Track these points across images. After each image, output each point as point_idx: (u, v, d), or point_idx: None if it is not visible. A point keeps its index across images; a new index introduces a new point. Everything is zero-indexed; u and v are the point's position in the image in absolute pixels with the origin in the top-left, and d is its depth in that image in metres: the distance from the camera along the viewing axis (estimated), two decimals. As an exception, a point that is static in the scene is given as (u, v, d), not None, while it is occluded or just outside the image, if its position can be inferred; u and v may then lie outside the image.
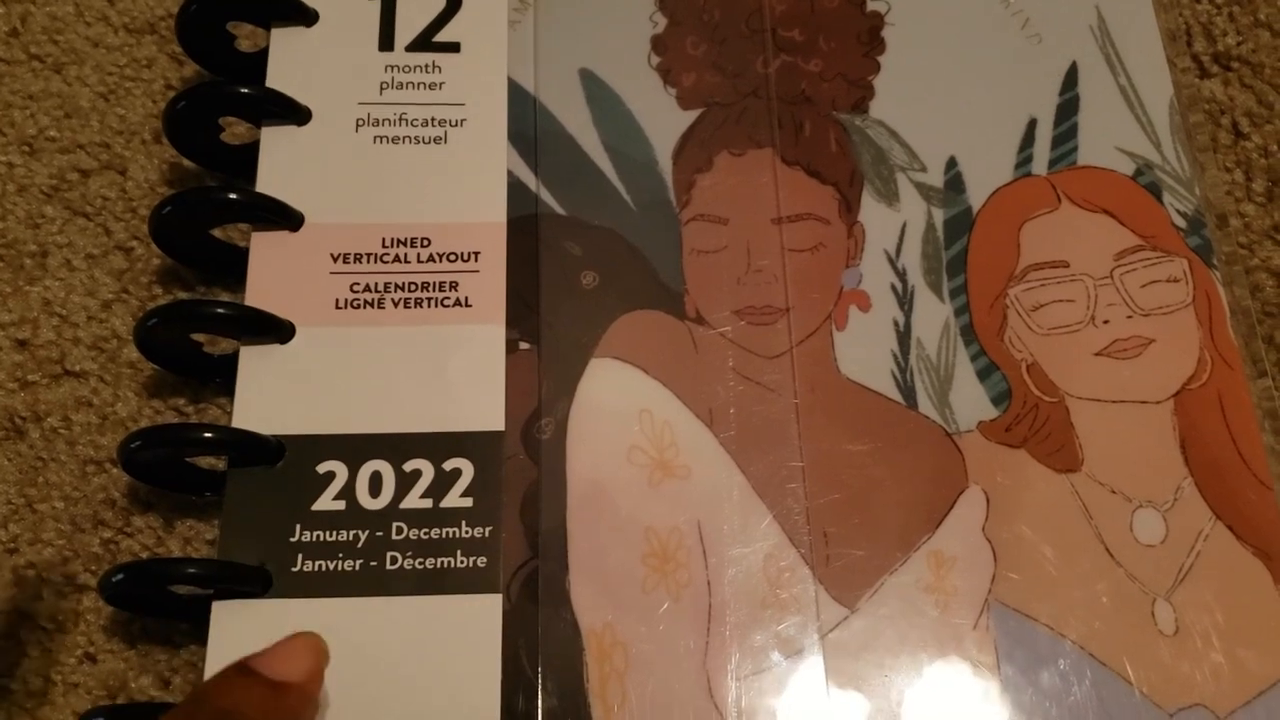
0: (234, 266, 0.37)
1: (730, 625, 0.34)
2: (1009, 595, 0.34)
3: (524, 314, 0.37)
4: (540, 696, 0.33)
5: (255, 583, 0.33)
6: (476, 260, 0.37)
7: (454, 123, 0.39)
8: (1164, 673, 0.33)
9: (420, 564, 0.34)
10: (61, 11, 0.44)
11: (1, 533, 0.37)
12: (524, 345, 0.37)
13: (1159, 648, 0.33)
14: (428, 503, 0.34)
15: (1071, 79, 0.41)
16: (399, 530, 0.34)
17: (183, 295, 0.40)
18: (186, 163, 0.41)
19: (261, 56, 0.39)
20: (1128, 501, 0.35)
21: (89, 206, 0.41)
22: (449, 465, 0.35)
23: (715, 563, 0.34)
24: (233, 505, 0.34)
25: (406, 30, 0.40)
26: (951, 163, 0.39)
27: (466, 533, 0.34)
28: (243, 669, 0.29)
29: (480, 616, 0.33)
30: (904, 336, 0.37)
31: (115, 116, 0.42)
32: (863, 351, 0.37)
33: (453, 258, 0.37)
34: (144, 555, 0.36)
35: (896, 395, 0.37)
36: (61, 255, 0.40)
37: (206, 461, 0.36)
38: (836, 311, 0.38)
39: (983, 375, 0.37)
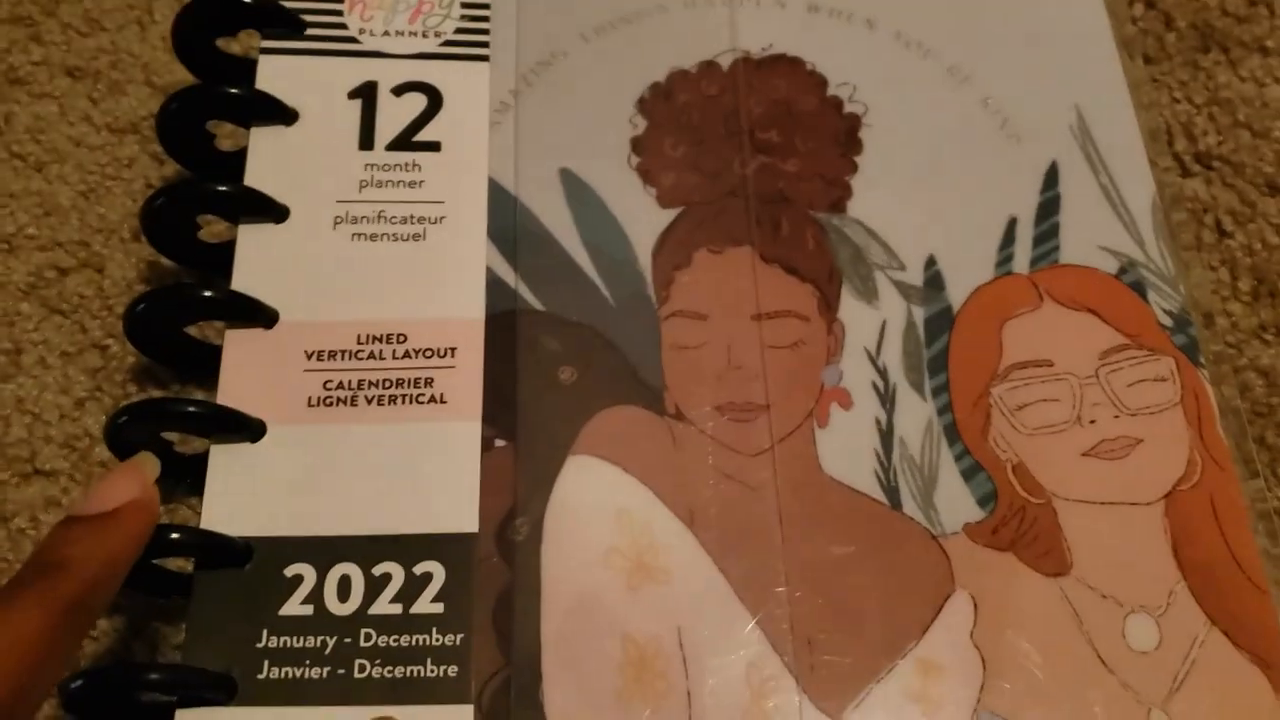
0: (209, 364, 0.37)
1: (711, 737, 0.32)
2: (999, 704, 0.33)
3: (501, 410, 0.37)
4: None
5: (220, 690, 0.32)
6: (453, 356, 0.37)
7: (433, 220, 0.39)
8: (1162, 785, 0.32)
9: (389, 672, 0.33)
10: (45, 111, 0.44)
11: (-38, 636, 0.36)
12: (500, 442, 0.36)
13: (1155, 760, 0.32)
14: (397, 608, 0.33)
15: (1052, 178, 0.41)
16: (368, 636, 0.33)
17: (157, 393, 0.39)
18: (165, 261, 0.40)
19: (241, 155, 0.40)
20: (1119, 606, 0.34)
21: (65, 304, 0.40)
22: (420, 569, 0.34)
23: (695, 672, 0.33)
24: (199, 609, 0.33)
25: (387, 130, 0.40)
26: (931, 261, 0.39)
27: (437, 640, 0.33)
28: (64, 519, 0.30)
29: None
30: (886, 435, 0.37)
31: (95, 215, 0.42)
32: (845, 450, 0.36)
33: (429, 354, 0.37)
34: (109, 659, 0.35)
35: (880, 495, 0.36)
36: (36, 353, 0.40)
37: (175, 563, 0.35)
38: (818, 409, 0.37)
39: (967, 475, 0.36)
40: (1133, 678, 0.33)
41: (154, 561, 0.35)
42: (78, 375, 0.39)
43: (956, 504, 0.36)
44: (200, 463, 0.35)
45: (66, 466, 0.38)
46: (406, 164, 0.39)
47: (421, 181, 0.39)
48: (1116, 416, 0.37)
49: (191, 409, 0.35)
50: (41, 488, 0.38)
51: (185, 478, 0.37)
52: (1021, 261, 0.39)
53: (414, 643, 0.33)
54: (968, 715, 0.33)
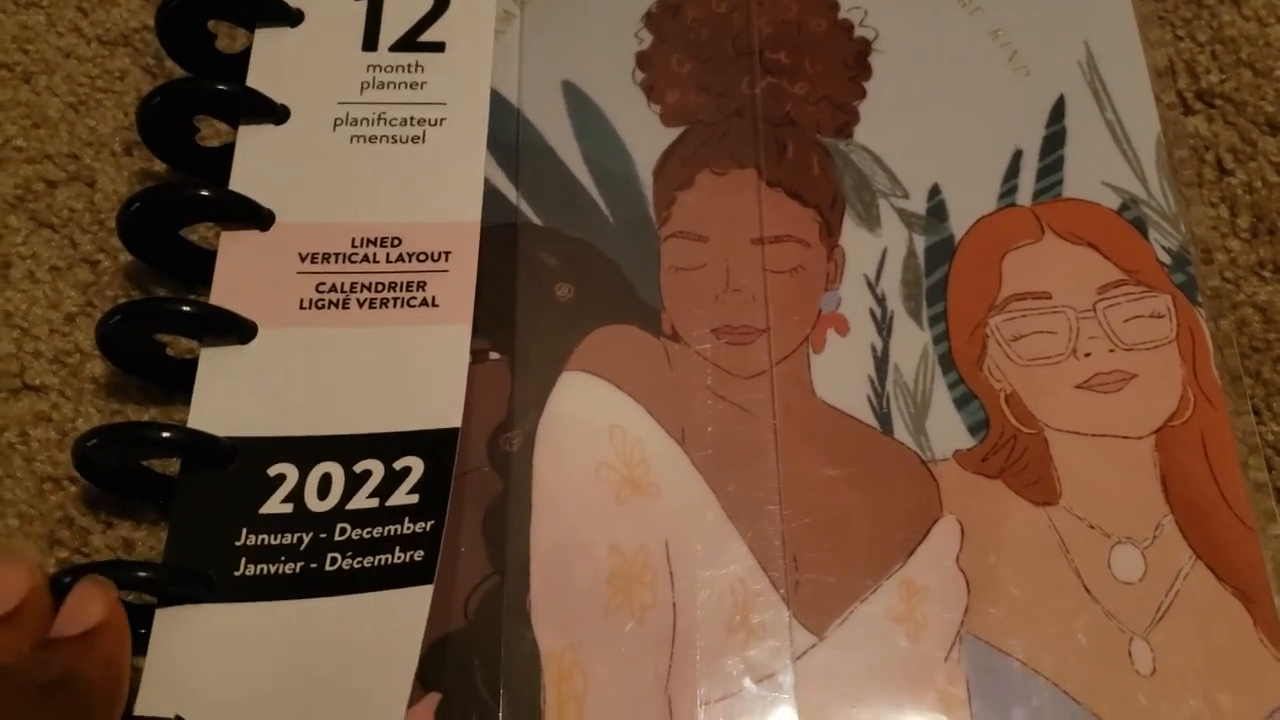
0: (203, 269, 0.36)
1: (698, 650, 0.32)
2: (982, 628, 0.33)
3: (496, 324, 0.36)
4: (495, 717, 0.31)
5: (198, 587, 0.32)
6: (446, 260, 0.36)
7: (433, 122, 0.38)
8: (1140, 714, 0.32)
9: (359, 562, 0.32)
10: (32, 21, 0.43)
11: (-48, 550, 0.36)
12: (495, 355, 0.36)
13: (1135, 688, 0.32)
14: (374, 502, 0.33)
15: (1059, 112, 0.40)
16: (342, 531, 0.33)
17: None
18: (157, 172, 0.40)
19: (242, 57, 0.39)
20: (1106, 537, 0.34)
21: (55, 218, 0.40)
22: (399, 464, 0.34)
23: (683, 585, 0.33)
24: (182, 508, 0.33)
25: (392, 30, 0.39)
26: (935, 190, 0.39)
27: (408, 529, 0.33)
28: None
29: (407, 609, 0.31)
30: (881, 362, 0.36)
31: (85, 128, 0.41)
32: (839, 375, 0.36)
33: (423, 258, 0.36)
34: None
35: (872, 421, 0.36)
36: (25, 267, 0.39)
37: (173, 471, 0.35)
38: (814, 334, 0.37)
39: (960, 404, 0.36)
40: (1116, 607, 0.33)
41: (142, 463, 0.35)
42: (67, 290, 0.39)
43: (948, 431, 0.36)
44: (191, 368, 0.35)
45: (56, 382, 0.37)
46: (409, 65, 0.39)
47: (423, 83, 0.39)
48: (1112, 350, 0.37)
49: (184, 309, 0.35)
50: (30, 403, 0.37)
51: (177, 382, 0.37)
52: (1025, 194, 0.39)
53: (386, 533, 0.33)
54: (950, 638, 0.33)
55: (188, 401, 0.35)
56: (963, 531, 0.34)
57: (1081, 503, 0.35)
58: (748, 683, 0.32)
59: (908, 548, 0.34)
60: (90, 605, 0.29)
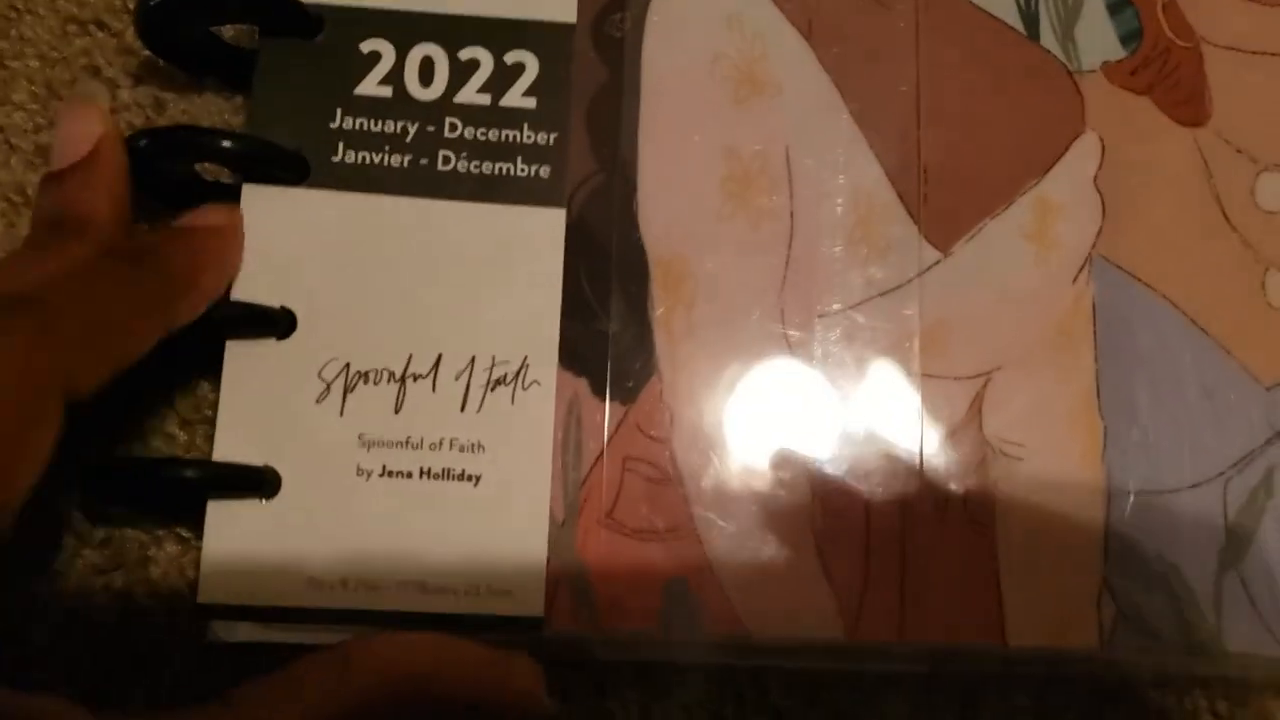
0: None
1: (815, 260, 0.31)
2: (1113, 250, 0.31)
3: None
4: (600, 321, 0.30)
5: (291, 168, 0.29)
6: None
7: None
8: (1268, 346, 0.31)
9: (477, 167, 0.30)
10: None
11: (-36, 82, 0.33)
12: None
13: (1265, 320, 0.31)
14: (485, 99, 0.31)
15: None
16: (453, 126, 0.30)
17: None
18: None
19: None
20: (1253, 163, 0.32)
21: None
22: (510, 58, 0.31)
23: (803, 193, 0.31)
24: (264, 80, 0.30)
25: None
26: None
27: (528, 137, 0.30)
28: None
29: (541, 230, 0.30)
30: (1033, -44, 0.33)
31: None
32: (985, -30, 0.33)
33: None
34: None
35: (1018, 24, 0.32)
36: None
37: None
38: (962, -79, 0.33)
39: (1113, 10, 0.33)
40: (1255, 237, 0.32)
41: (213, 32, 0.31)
42: None
43: (1098, 39, 0.32)
44: None
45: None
46: None
47: None
48: (1285, -42, 0.33)
49: None
50: None
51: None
52: None
53: (503, 138, 0.30)
54: (1081, 259, 0.31)
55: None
56: (1104, 149, 0.32)
57: (1231, 125, 0.32)
58: (867, 297, 0.31)
59: (1045, 163, 0.32)
60: (79, 131, 0.27)
